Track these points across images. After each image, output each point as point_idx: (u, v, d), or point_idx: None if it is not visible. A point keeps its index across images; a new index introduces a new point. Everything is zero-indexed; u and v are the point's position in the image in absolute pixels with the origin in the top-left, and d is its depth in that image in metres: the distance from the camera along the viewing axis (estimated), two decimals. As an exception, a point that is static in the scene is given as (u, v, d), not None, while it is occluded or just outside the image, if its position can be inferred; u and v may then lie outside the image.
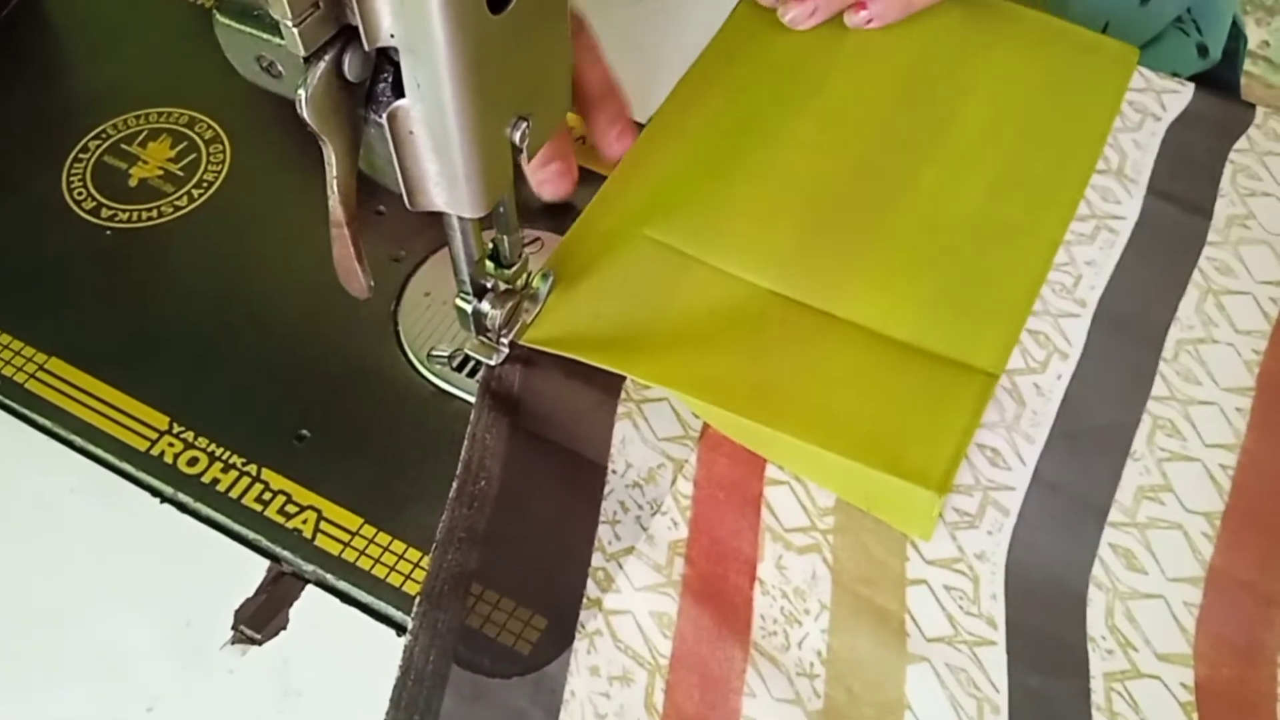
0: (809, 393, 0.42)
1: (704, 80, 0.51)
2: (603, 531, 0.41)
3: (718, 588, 0.39)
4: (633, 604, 0.39)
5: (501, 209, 0.41)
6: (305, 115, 0.33)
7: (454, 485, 0.41)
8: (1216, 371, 0.44)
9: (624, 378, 0.44)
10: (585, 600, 0.39)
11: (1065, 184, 0.48)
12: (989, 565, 0.39)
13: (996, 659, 0.38)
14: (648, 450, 0.42)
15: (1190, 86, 0.52)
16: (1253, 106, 0.52)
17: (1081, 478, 0.41)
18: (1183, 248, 0.47)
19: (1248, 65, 0.84)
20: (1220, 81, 0.72)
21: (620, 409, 0.43)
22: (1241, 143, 0.51)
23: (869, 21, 0.52)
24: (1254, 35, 0.87)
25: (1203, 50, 0.73)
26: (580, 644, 0.38)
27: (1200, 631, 0.38)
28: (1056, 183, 0.48)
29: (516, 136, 0.37)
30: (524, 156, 0.37)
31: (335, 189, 0.35)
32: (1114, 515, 0.40)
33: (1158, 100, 0.52)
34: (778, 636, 0.38)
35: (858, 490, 0.41)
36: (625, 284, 0.45)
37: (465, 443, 0.42)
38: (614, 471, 0.42)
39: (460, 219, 0.39)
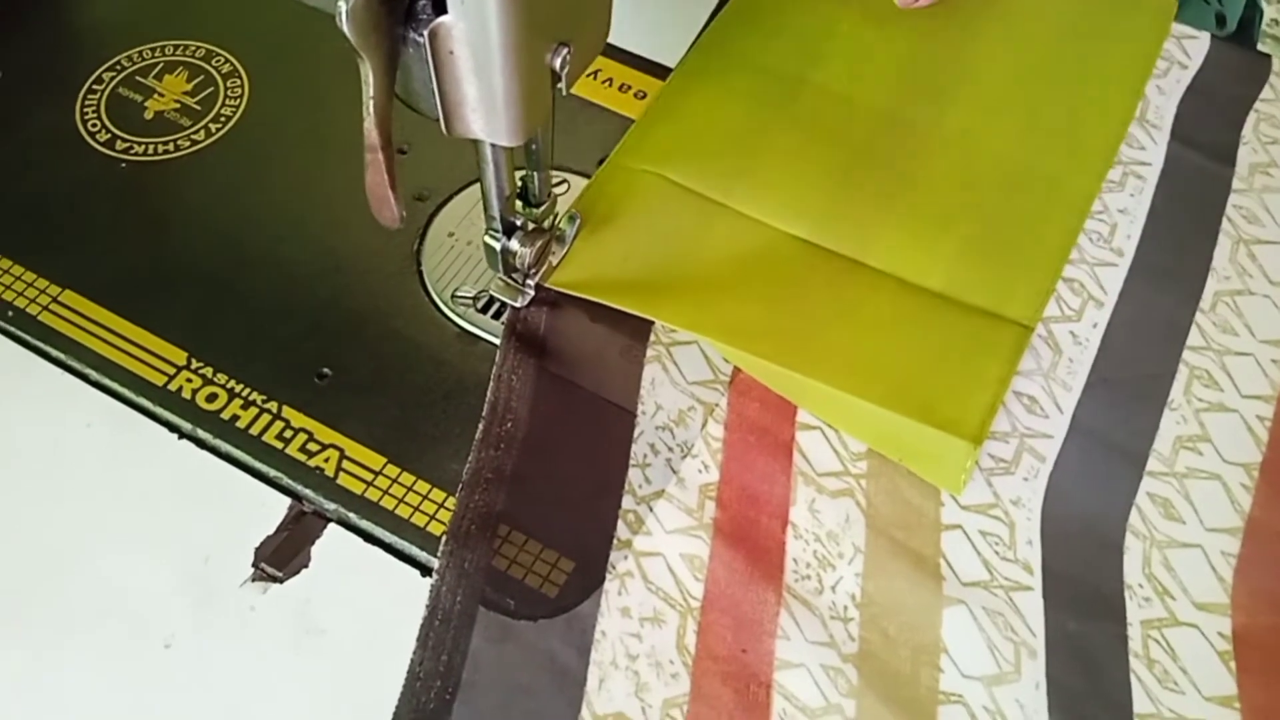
0: (840, 339, 0.41)
1: (731, 27, 0.51)
2: (632, 474, 0.40)
3: (749, 531, 0.39)
4: (663, 546, 0.38)
5: (535, 145, 0.40)
6: (345, 30, 0.31)
7: (480, 427, 0.40)
8: (1254, 323, 0.44)
9: (652, 320, 0.43)
10: (616, 542, 0.38)
11: (1101, 134, 0.48)
12: (1025, 511, 0.39)
13: (1033, 604, 0.37)
14: (677, 393, 0.42)
15: (1206, 34, 0.52)
16: (1268, 56, 0.52)
17: (1119, 426, 0.41)
18: (1209, 195, 0.47)
19: (1258, 45, 0.84)
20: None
21: (649, 352, 0.43)
22: (1266, 92, 0.50)
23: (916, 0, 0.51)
24: (1266, 13, 0.86)
25: (1220, 20, 0.72)
26: (611, 585, 0.37)
27: (1238, 581, 0.38)
28: (1092, 133, 0.48)
29: (557, 63, 0.36)
30: (562, 85, 0.37)
31: (371, 110, 0.34)
32: (1152, 464, 0.40)
33: (1180, 47, 0.52)
34: (811, 580, 0.38)
35: (889, 440, 0.40)
36: (653, 228, 0.45)
37: (491, 384, 0.41)
38: (643, 413, 0.41)
39: (494, 150, 0.38)
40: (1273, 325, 0.43)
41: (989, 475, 0.40)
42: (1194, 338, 0.43)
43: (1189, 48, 0.51)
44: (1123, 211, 0.46)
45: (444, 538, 0.38)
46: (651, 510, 0.39)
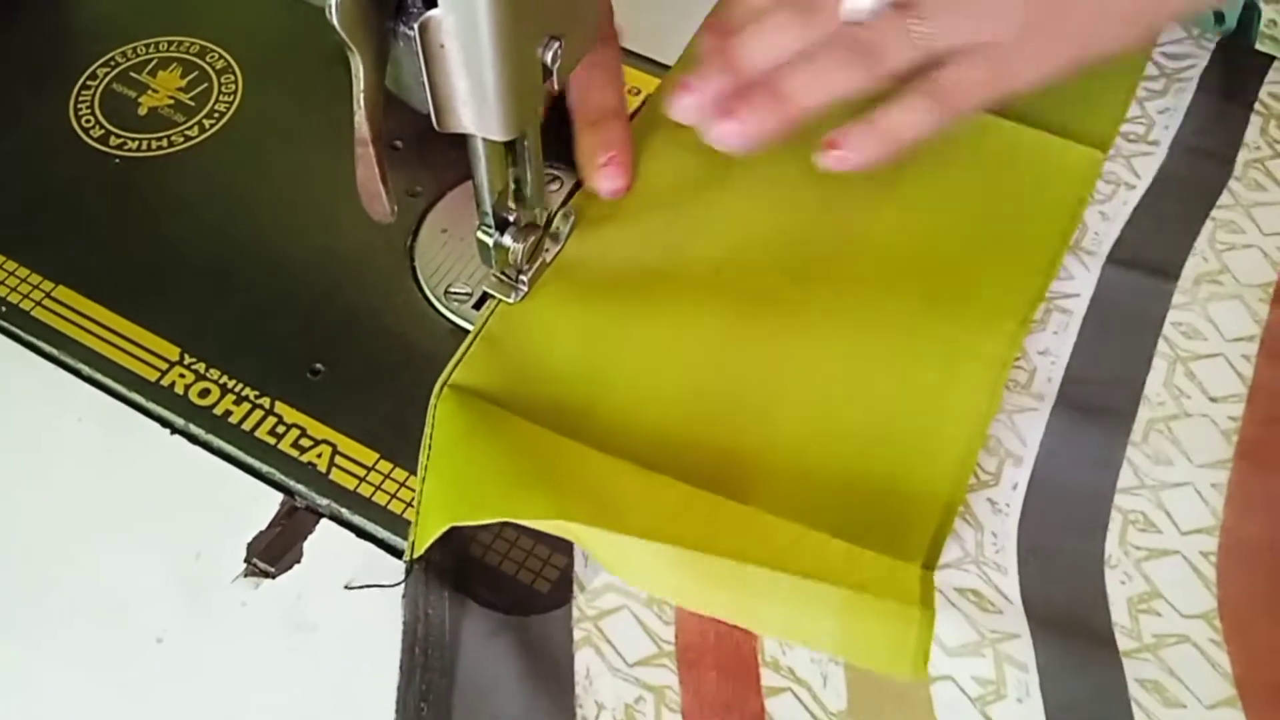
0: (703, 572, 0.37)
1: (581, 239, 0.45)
2: None
3: None
4: None
5: (526, 140, 0.40)
6: (334, 23, 0.32)
7: None
8: (1191, 448, 0.40)
9: (570, 594, 0.38)
10: None
11: (999, 343, 0.42)
12: None
13: None
14: (619, 682, 0.36)
15: (1164, 145, 0.48)
16: (1233, 160, 0.48)
17: (1069, 604, 0.37)
18: (1144, 315, 0.43)
19: (1256, 45, 0.84)
20: (1236, 49, 0.72)
21: (577, 632, 0.37)
22: (1224, 198, 0.46)
23: (842, 164, 0.42)
24: (1264, 13, 0.86)
25: (1218, 16, 0.72)
26: None
27: None
28: (992, 346, 0.42)
29: (548, 57, 0.36)
30: (554, 81, 0.36)
31: (362, 104, 0.34)
32: (1123, 643, 0.36)
33: (1129, 167, 0.47)
34: None
35: (826, 632, 0.36)
36: (497, 462, 0.39)
37: (396, 706, 0.36)
38: (584, 719, 0.36)
39: (485, 144, 0.38)
40: (1212, 446, 0.40)
41: (982, 705, 0.35)
42: (1125, 478, 0.39)
43: (1138, 166, 0.47)
44: (1043, 353, 0.42)
45: None
46: None
